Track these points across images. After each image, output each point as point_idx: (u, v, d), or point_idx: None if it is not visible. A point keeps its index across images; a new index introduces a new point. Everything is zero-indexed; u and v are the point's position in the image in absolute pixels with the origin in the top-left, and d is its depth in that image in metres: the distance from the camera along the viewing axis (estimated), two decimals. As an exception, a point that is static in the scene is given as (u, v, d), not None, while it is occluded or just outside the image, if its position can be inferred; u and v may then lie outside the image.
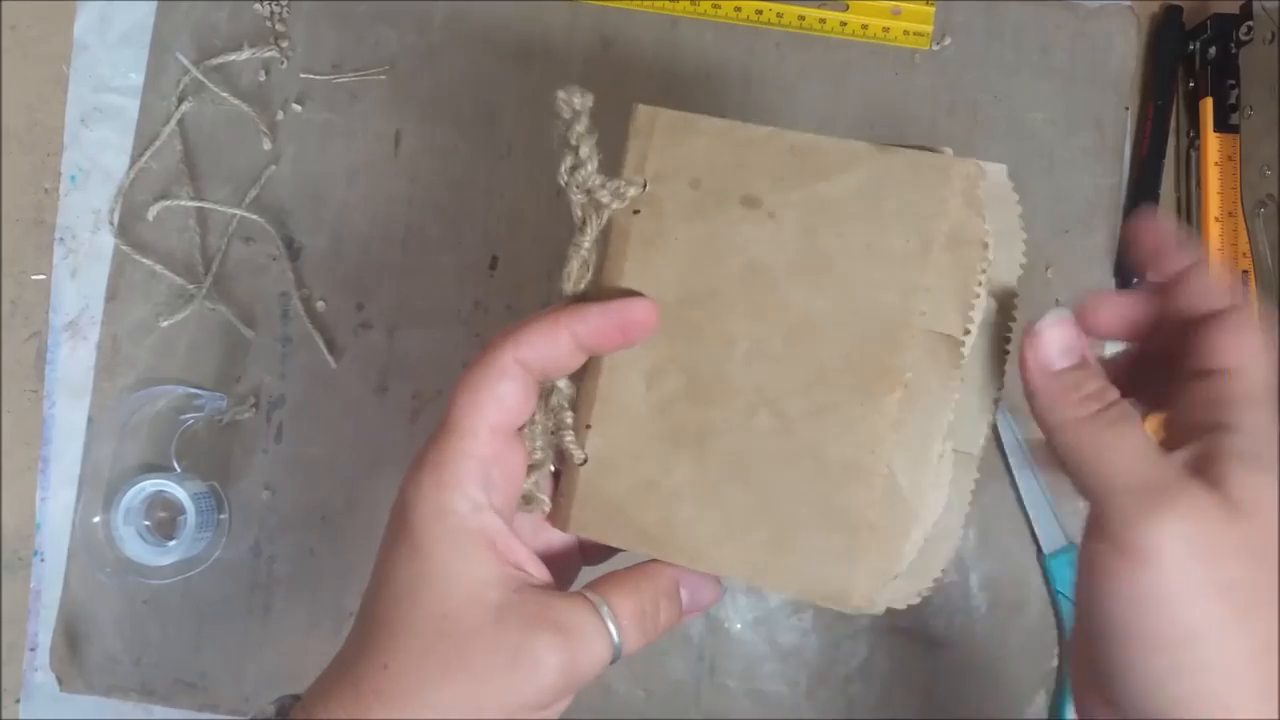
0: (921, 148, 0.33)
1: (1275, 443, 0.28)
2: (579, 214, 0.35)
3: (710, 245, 0.34)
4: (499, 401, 0.32)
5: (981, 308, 0.33)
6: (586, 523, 0.35)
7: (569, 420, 0.35)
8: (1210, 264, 0.31)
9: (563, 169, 0.35)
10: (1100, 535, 0.28)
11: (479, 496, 0.32)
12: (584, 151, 0.35)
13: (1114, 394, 0.29)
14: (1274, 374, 0.29)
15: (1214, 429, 0.28)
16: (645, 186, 0.35)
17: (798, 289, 0.34)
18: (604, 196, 0.35)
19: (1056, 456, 0.30)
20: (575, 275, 0.35)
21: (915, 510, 0.33)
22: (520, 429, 0.34)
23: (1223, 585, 0.27)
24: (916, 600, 0.34)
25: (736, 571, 0.34)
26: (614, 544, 0.35)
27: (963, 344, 0.32)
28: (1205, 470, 0.28)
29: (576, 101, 0.35)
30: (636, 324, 0.34)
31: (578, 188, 0.35)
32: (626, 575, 0.34)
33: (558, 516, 0.36)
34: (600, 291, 0.35)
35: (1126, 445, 0.28)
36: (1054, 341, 0.30)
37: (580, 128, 0.35)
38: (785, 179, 0.34)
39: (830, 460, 0.33)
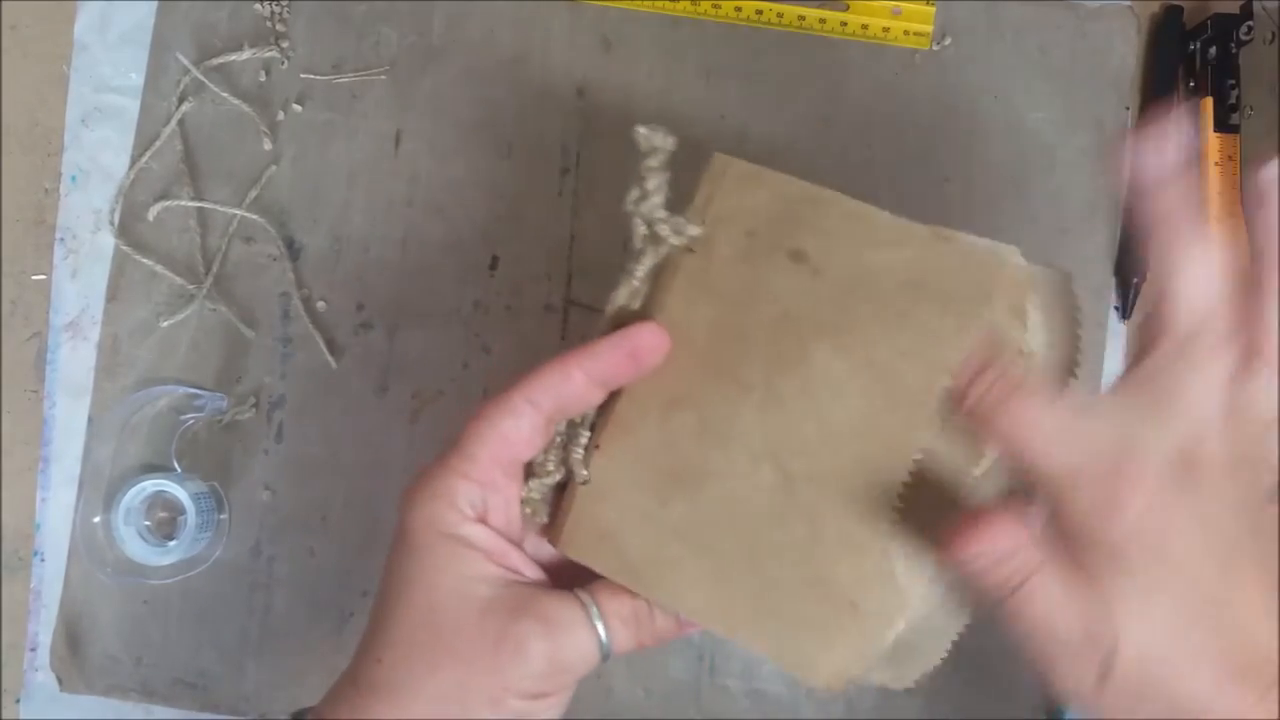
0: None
1: None
2: (638, 244, 0.35)
3: (751, 291, 0.34)
4: (502, 436, 0.33)
5: None
6: (578, 544, 0.35)
7: (583, 439, 0.35)
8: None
9: (630, 198, 0.35)
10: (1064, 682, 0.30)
11: (469, 511, 0.33)
12: (652, 184, 0.35)
13: (1035, 558, 0.30)
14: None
15: None
16: (704, 227, 0.35)
17: (823, 346, 0.33)
18: (664, 230, 0.35)
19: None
20: (622, 299, 0.35)
21: (906, 597, 0.32)
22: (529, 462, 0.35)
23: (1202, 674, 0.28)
24: (905, 686, 0.34)
25: (712, 622, 0.34)
26: (599, 570, 0.35)
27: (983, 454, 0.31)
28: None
29: (657, 140, 0.35)
30: (646, 349, 0.34)
31: (641, 218, 0.35)
32: None
33: (552, 532, 0.36)
34: (637, 320, 0.35)
35: (1048, 600, 0.30)
36: (986, 542, 0.30)
37: (655, 163, 0.35)
38: (835, 240, 0.34)
39: (826, 528, 0.32)
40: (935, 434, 0.32)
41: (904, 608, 0.32)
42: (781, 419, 0.33)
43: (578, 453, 0.35)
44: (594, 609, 0.34)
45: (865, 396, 0.32)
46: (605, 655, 0.34)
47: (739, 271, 0.35)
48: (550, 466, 0.36)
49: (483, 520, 0.34)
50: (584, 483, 0.35)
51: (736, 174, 0.36)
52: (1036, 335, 0.32)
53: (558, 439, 0.36)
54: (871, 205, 0.35)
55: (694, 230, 0.35)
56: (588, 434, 0.36)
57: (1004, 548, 0.30)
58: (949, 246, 0.33)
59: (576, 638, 0.34)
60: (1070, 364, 0.33)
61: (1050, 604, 0.29)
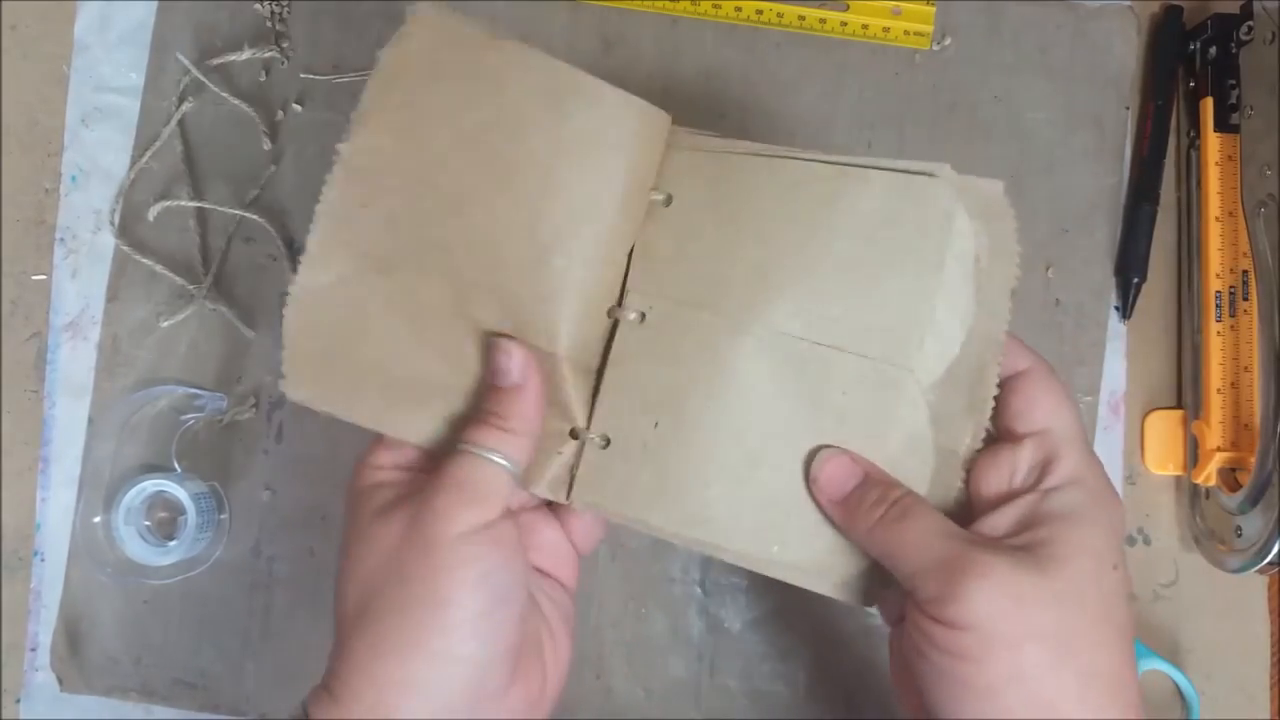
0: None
1: (1089, 493, 0.31)
2: None
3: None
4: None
5: (965, 315, 0.33)
6: (591, 497, 0.36)
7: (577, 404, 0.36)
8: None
9: None
10: (917, 609, 0.31)
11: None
12: None
13: (898, 491, 0.32)
14: (1079, 425, 0.33)
15: (1032, 490, 0.31)
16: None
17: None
18: None
19: (875, 555, 0.33)
20: None
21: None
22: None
23: (1037, 634, 0.29)
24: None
25: (733, 544, 0.35)
26: (621, 518, 0.36)
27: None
28: (1026, 530, 0.31)
29: None
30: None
31: None
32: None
33: (543, 487, 0.37)
34: None
35: (917, 532, 0.31)
36: (833, 475, 0.33)
37: None
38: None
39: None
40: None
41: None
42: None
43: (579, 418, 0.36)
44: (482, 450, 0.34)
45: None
46: (516, 473, 0.34)
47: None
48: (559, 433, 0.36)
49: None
50: (604, 446, 0.35)
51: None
52: (977, 241, 0.33)
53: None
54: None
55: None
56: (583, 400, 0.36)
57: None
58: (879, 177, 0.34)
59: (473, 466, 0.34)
60: (1010, 275, 0.34)
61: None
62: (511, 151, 0.35)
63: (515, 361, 0.34)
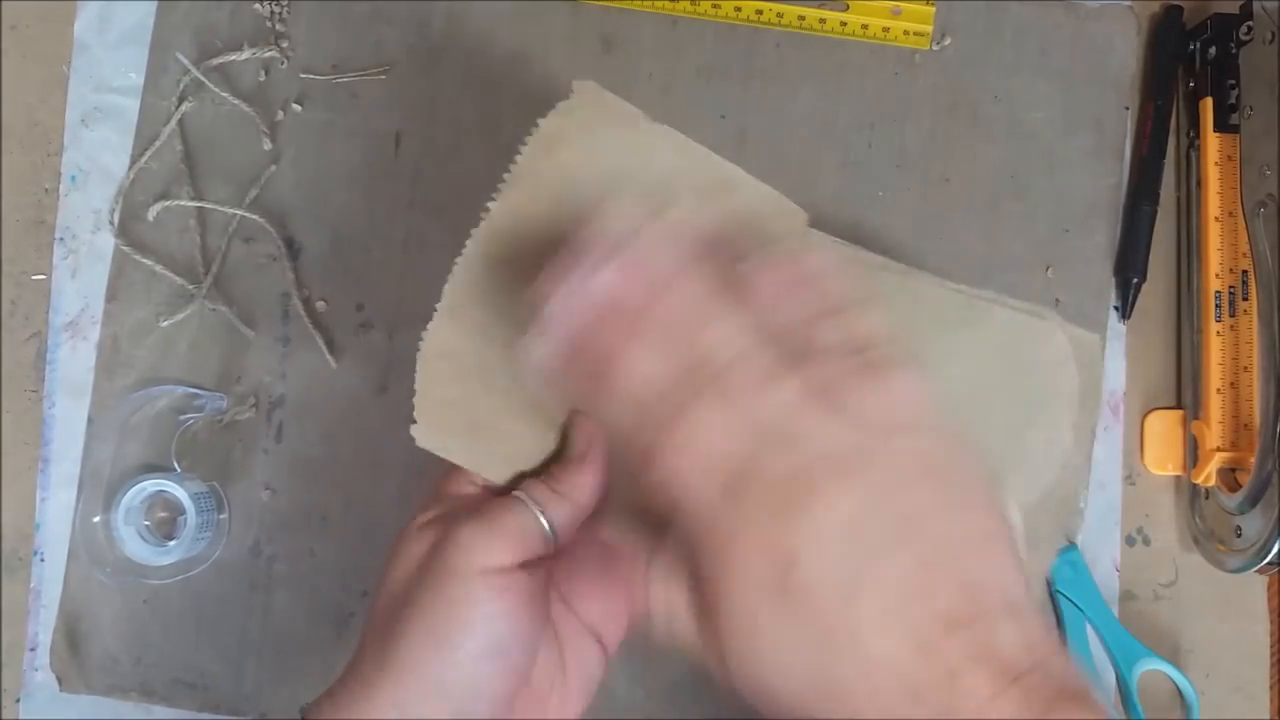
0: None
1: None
2: None
3: None
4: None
5: (1063, 449, 0.36)
6: None
7: None
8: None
9: None
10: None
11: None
12: None
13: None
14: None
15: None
16: None
17: None
18: None
19: None
20: None
21: None
22: None
23: None
24: None
25: None
26: None
27: None
28: None
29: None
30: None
31: None
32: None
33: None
34: None
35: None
36: None
37: None
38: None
39: None
40: None
41: None
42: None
43: None
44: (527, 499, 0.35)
45: None
46: (553, 539, 0.35)
47: None
48: None
49: None
50: None
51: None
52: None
53: None
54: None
55: None
56: None
57: None
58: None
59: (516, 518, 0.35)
60: (1094, 417, 0.37)
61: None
62: None
63: (581, 435, 0.36)
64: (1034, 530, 0.35)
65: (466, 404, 0.37)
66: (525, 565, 0.34)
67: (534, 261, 0.35)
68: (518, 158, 0.37)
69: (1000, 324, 0.35)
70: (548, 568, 0.36)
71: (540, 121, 0.37)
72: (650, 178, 0.36)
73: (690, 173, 0.36)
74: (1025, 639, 0.27)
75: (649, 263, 0.30)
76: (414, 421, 0.37)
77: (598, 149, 0.37)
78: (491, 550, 0.33)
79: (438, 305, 0.37)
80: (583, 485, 0.36)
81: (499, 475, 0.37)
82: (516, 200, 0.37)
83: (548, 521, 0.35)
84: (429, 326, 0.37)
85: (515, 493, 0.35)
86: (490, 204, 0.37)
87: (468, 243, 0.37)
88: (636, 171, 0.36)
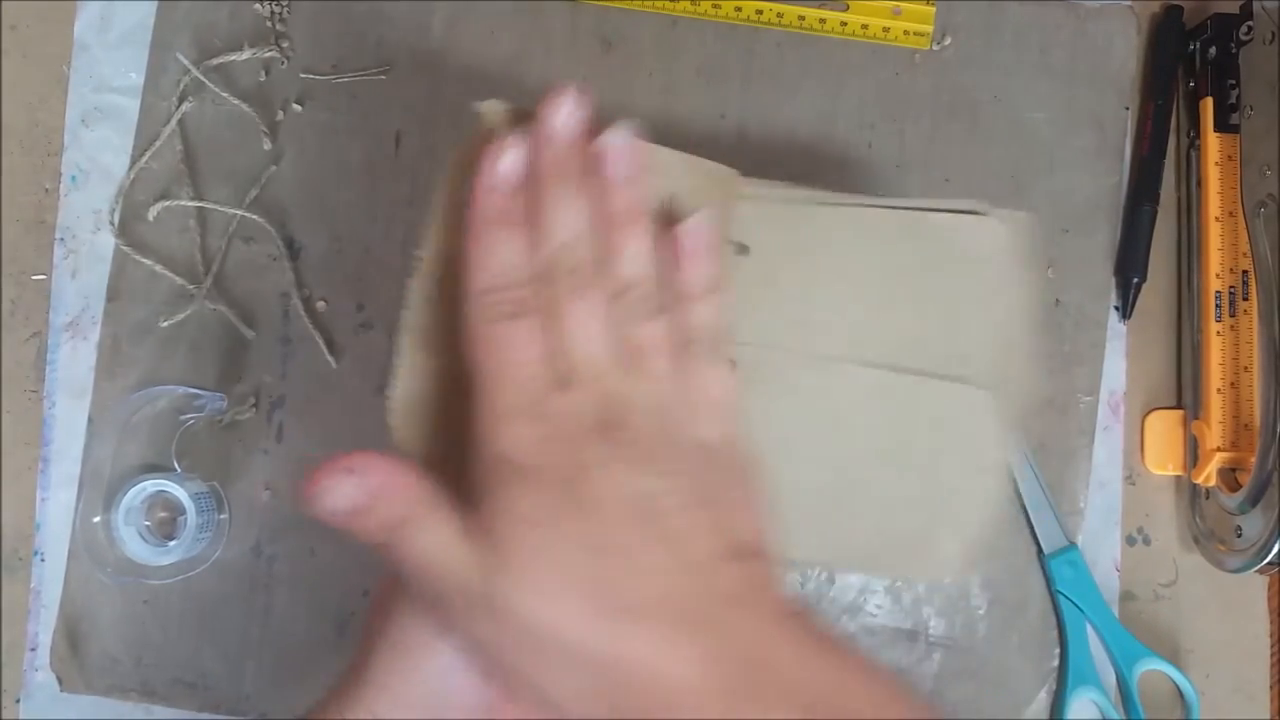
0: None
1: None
2: None
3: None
4: None
5: (1021, 334, 0.36)
6: None
7: None
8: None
9: None
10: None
11: None
12: None
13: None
14: None
15: None
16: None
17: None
18: None
19: None
20: None
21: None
22: None
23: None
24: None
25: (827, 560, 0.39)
26: None
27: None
28: None
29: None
30: None
31: None
32: None
33: None
34: None
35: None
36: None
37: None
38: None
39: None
40: None
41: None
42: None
43: None
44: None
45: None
46: None
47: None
48: None
49: None
50: None
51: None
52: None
53: None
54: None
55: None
56: None
57: None
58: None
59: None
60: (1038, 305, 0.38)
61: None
62: None
63: None
64: (997, 413, 0.36)
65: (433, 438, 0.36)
66: None
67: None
68: (434, 196, 0.36)
69: (938, 229, 0.36)
70: None
71: (451, 155, 0.36)
72: None
73: None
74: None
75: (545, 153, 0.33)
76: None
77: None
78: None
79: (395, 362, 0.36)
80: None
81: None
82: (447, 240, 0.35)
83: None
84: (392, 386, 0.36)
85: None
86: (421, 253, 0.35)
87: (409, 295, 0.35)
88: None
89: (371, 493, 0.31)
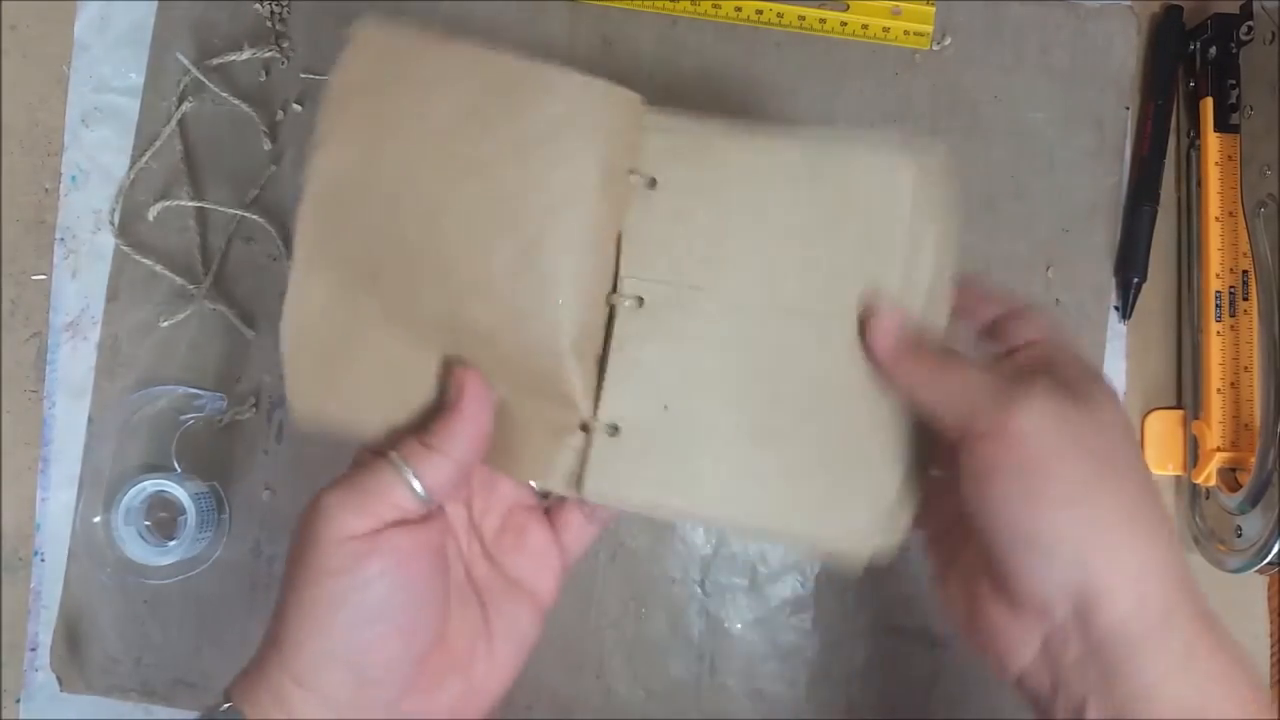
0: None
1: (1082, 378, 0.32)
2: None
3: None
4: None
5: (929, 271, 0.35)
6: (600, 490, 0.35)
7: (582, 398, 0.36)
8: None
9: None
10: (978, 442, 0.31)
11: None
12: None
13: (921, 345, 0.34)
14: (1067, 345, 0.35)
15: (1037, 369, 0.33)
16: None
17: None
18: None
19: (922, 406, 0.34)
20: None
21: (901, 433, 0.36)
22: None
23: (1082, 450, 0.30)
24: (898, 540, 0.35)
25: (741, 518, 0.35)
26: (631, 506, 0.36)
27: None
28: (1048, 368, 0.32)
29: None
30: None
31: None
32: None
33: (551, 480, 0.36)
34: None
35: (964, 376, 0.32)
36: (890, 323, 0.34)
37: None
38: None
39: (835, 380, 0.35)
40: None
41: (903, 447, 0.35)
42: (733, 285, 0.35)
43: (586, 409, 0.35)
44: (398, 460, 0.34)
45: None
46: (425, 497, 0.34)
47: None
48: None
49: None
50: (613, 434, 0.35)
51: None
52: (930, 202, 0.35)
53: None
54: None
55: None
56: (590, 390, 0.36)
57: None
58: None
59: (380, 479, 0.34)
60: (953, 237, 0.35)
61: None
62: (479, 150, 0.34)
63: (456, 384, 0.35)
64: None
65: (340, 377, 0.36)
66: (400, 525, 0.33)
67: (368, 220, 0.35)
68: (316, 119, 0.35)
69: (848, 168, 0.34)
70: (443, 522, 0.36)
71: (330, 77, 0.35)
72: (460, 103, 0.34)
73: (502, 87, 0.34)
74: None
75: None
76: (291, 408, 0.36)
77: (396, 88, 0.35)
78: (352, 515, 0.33)
79: (288, 280, 0.35)
80: (456, 433, 0.34)
81: (393, 443, 0.35)
82: (329, 161, 0.35)
83: (418, 480, 0.33)
84: (284, 306, 0.35)
85: (389, 453, 0.34)
86: (310, 173, 0.35)
87: (297, 217, 0.35)
88: (444, 100, 0.34)
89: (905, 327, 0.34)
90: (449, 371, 0.35)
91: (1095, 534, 0.30)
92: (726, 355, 0.35)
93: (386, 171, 0.34)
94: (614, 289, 0.35)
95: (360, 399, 0.36)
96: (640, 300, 0.35)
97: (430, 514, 0.35)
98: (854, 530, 0.34)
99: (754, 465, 0.34)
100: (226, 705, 0.33)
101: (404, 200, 0.34)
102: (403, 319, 0.35)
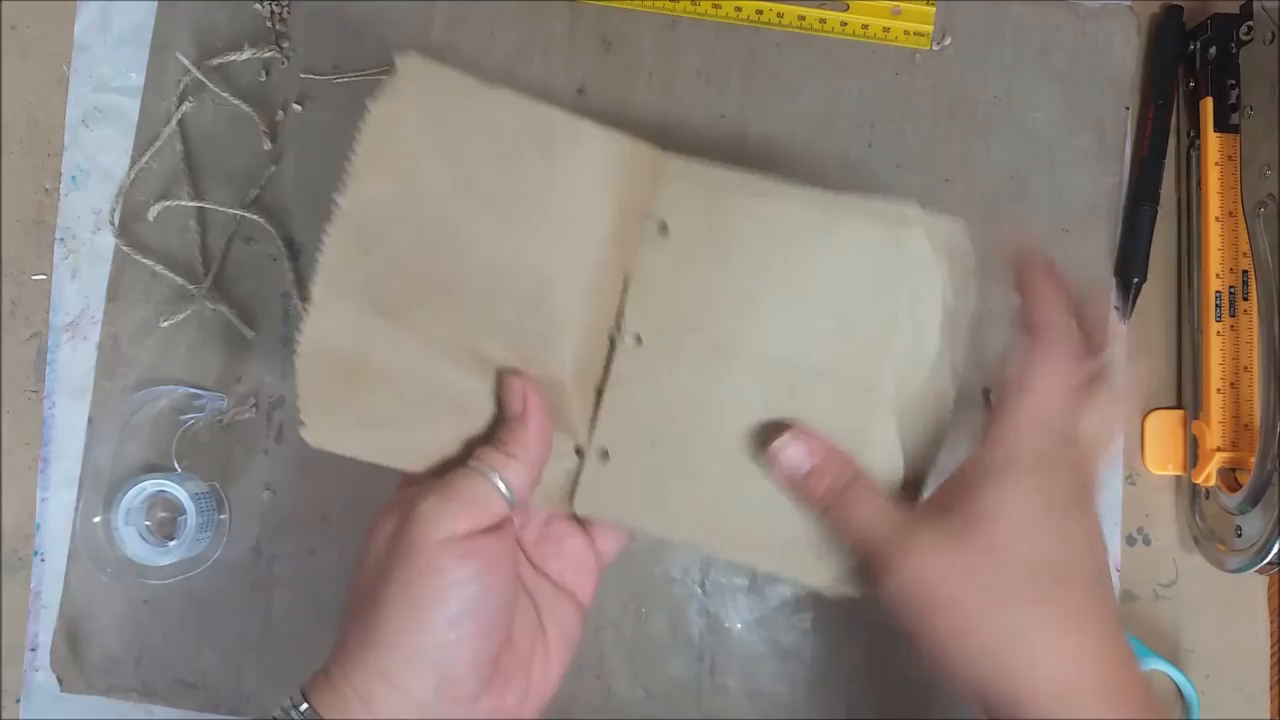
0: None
1: (1023, 451, 0.34)
2: None
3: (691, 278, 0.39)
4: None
5: (932, 346, 0.36)
6: (591, 505, 0.38)
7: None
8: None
9: None
10: (876, 571, 0.34)
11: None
12: None
13: (848, 474, 0.35)
14: (1043, 393, 0.34)
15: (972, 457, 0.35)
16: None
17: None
18: None
19: (832, 532, 0.36)
20: None
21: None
22: None
23: (968, 591, 0.32)
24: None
25: (720, 548, 0.38)
26: (619, 522, 0.39)
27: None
28: (957, 496, 0.34)
29: None
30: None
31: None
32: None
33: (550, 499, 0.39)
34: None
35: (861, 514, 0.35)
36: (792, 457, 0.36)
37: None
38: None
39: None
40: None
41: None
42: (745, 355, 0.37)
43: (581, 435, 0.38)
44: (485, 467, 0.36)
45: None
46: (512, 501, 0.36)
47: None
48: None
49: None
50: (603, 459, 0.38)
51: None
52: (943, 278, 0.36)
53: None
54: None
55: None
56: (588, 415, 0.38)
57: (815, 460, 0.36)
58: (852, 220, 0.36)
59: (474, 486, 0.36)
60: (969, 310, 0.37)
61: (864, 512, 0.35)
62: (506, 192, 0.36)
63: (516, 395, 0.37)
64: (911, 425, 0.36)
65: (353, 398, 0.37)
66: (489, 530, 0.35)
67: (392, 250, 0.36)
68: (355, 147, 0.36)
69: (859, 228, 0.36)
70: (514, 529, 0.37)
71: (370, 105, 0.36)
72: (495, 148, 0.36)
73: (534, 134, 0.36)
74: None
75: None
76: (301, 424, 0.37)
77: (435, 124, 0.36)
78: (452, 519, 0.34)
79: (307, 306, 0.37)
80: (529, 440, 0.37)
81: (406, 462, 0.38)
82: (363, 191, 0.36)
83: (504, 483, 0.36)
84: (303, 328, 0.37)
85: (470, 461, 0.36)
86: (337, 196, 0.36)
87: (325, 240, 0.36)
88: (480, 143, 0.36)
89: (816, 456, 0.35)
90: (501, 382, 0.37)
91: (994, 657, 0.32)
92: (714, 398, 0.37)
93: (418, 205, 0.36)
94: (617, 325, 0.38)
95: (373, 421, 0.38)
96: (639, 339, 0.38)
97: (503, 520, 0.36)
98: (818, 574, 0.36)
99: (732, 501, 0.37)
100: (304, 706, 0.35)
101: (431, 233, 0.36)
102: (416, 348, 0.37)
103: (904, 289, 0.35)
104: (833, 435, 0.36)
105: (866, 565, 0.35)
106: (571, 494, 0.38)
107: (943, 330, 0.36)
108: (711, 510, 0.37)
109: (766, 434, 0.36)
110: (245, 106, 0.52)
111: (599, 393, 0.38)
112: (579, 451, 0.38)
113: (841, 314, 0.36)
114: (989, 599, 0.32)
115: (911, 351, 0.36)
